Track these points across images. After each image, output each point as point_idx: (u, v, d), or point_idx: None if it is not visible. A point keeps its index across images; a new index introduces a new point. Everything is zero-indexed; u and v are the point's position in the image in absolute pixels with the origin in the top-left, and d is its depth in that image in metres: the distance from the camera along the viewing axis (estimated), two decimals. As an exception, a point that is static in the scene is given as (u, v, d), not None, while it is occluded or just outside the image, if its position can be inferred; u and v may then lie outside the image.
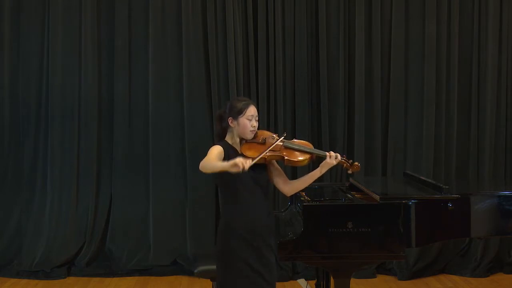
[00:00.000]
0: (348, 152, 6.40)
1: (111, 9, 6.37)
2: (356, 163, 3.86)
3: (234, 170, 3.31)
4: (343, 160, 3.81)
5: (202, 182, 6.22)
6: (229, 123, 3.71)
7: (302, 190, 4.29)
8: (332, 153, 3.76)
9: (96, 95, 6.37)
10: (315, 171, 3.79)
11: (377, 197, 4.12)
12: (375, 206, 4.08)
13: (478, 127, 6.44)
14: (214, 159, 3.53)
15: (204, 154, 3.64)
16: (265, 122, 6.22)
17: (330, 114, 6.36)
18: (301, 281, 5.95)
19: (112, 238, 6.42)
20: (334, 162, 3.74)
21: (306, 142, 3.86)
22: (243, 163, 3.29)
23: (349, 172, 3.91)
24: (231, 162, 3.31)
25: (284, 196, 4.16)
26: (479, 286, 5.98)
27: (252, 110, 3.70)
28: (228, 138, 3.76)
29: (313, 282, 5.27)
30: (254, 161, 3.50)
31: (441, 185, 4.31)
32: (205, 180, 6.18)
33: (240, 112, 3.68)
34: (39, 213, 6.40)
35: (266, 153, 3.65)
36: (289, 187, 3.84)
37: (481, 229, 4.36)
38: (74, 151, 6.36)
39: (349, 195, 4.46)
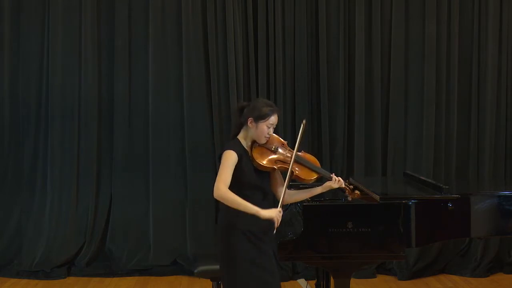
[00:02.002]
0: (348, 152, 6.40)
1: (111, 9, 6.37)
2: (357, 191, 3.93)
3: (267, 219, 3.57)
4: (345, 186, 3.88)
5: (202, 182, 6.22)
6: (248, 122, 3.70)
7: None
8: (339, 178, 3.83)
9: (96, 95, 6.36)
10: (316, 188, 3.85)
11: (377, 197, 4.12)
12: (375, 206, 4.08)
13: (478, 127, 6.44)
14: (229, 180, 3.58)
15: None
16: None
17: (330, 114, 6.36)
18: (301, 281, 5.95)
19: (112, 238, 6.42)
20: (337, 186, 3.82)
21: (314, 158, 3.90)
22: (279, 219, 3.56)
23: (349, 198, 4.03)
24: (267, 214, 3.54)
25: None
26: (479, 286, 5.98)
27: (274, 119, 3.71)
28: (241, 136, 3.75)
29: (313, 282, 5.27)
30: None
31: (441, 185, 4.31)
32: (205, 180, 6.18)
33: (263, 117, 3.67)
34: (39, 213, 6.40)
35: (279, 165, 3.73)
36: (287, 197, 3.87)
37: (481, 229, 4.36)
38: (74, 151, 6.36)
39: (349, 195, 4.46)
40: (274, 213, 3.56)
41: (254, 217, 3.60)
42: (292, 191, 3.93)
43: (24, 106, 6.39)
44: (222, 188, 3.56)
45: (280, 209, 3.60)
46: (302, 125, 3.78)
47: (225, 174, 3.58)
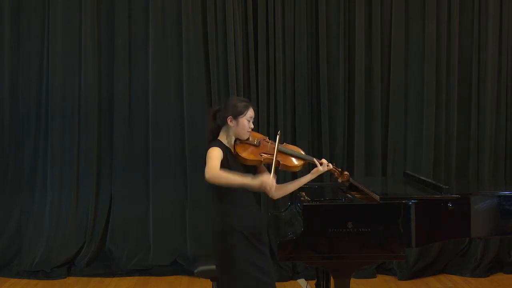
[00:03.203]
0: (348, 152, 6.40)
1: (111, 9, 6.37)
2: (346, 172, 4.00)
3: (260, 189, 3.51)
4: (333, 169, 3.95)
5: (202, 182, 6.13)
6: (228, 122, 3.76)
7: (302, 190, 4.32)
8: (324, 160, 3.91)
9: (96, 95, 6.37)
10: (305, 176, 3.94)
11: (377, 197, 4.12)
12: (375, 206, 4.08)
13: (478, 127, 6.44)
14: (218, 166, 3.58)
15: (204, 154, 3.66)
16: (265, 122, 6.22)
17: (330, 114, 6.36)
18: (301, 281, 5.95)
19: (112, 238, 6.42)
20: (325, 170, 3.89)
21: (297, 147, 3.99)
22: (271, 184, 3.50)
23: (339, 180, 4.08)
24: (258, 181, 3.51)
25: (283, 196, 4.18)
26: (479, 286, 5.98)
27: (252, 112, 3.80)
28: (222, 137, 3.81)
29: (313, 282, 5.27)
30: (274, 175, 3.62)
31: (441, 185, 4.31)
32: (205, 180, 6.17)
33: (241, 112, 3.75)
34: (39, 213, 6.40)
35: (265, 156, 3.75)
36: (277, 190, 3.89)
37: (481, 229, 4.36)
38: (74, 151, 6.36)
39: (349, 195, 4.46)
40: (264, 180, 3.53)
41: (250, 217, 3.63)
42: (281, 185, 3.96)
43: (24, 106, 6.39)
44: (214, 169, 3.56)
45: (273, 178, 3.57)
46: (277, 136, 3.81)
47: (213, 162, 3.60)
